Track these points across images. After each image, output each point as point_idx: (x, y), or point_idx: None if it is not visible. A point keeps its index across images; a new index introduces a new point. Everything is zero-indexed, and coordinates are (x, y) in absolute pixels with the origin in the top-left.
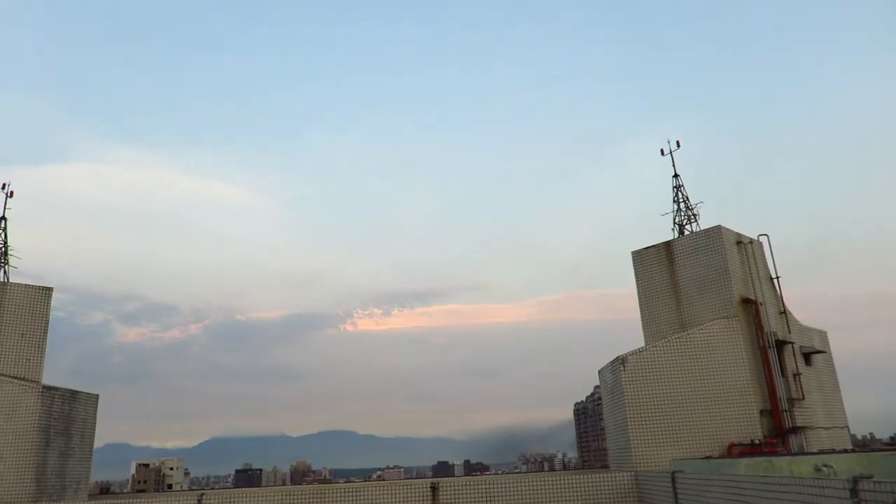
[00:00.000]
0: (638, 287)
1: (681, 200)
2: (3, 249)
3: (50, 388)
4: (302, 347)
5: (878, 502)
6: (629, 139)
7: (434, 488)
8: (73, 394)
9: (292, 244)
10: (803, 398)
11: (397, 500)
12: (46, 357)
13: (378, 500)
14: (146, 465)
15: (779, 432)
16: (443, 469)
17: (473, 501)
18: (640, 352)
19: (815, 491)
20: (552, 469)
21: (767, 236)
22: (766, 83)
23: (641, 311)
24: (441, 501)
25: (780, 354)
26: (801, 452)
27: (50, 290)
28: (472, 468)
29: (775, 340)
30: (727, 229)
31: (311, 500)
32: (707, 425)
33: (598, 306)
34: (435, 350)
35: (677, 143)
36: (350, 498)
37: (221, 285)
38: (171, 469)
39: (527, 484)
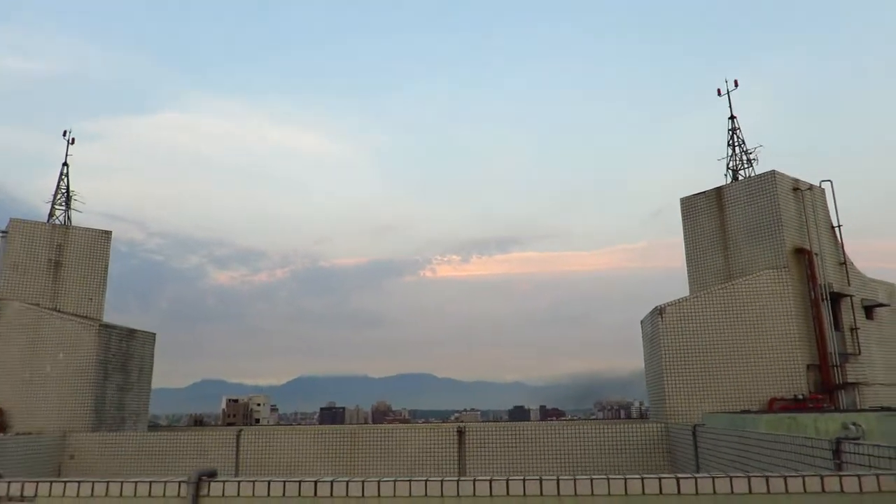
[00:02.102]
0: (685, 235)
1: (736, 144)
2: (66, 195)
3: (107, 326)
4: (383, 293)
5: (859, 464)
6: (717, 82)
7: (461, 433)
8: (131, 332)
9: (373, 192)
10: (859, 353)
11: (426, 443)
12: (148, 295)
13: (407, 443)
14: (235, 401)
15: (826, 388)
16: (519, 413)
17: (499, 447)
18: (679, 302)
19: (805, 451)
20: (628, 416)
21: (831, 182)
22: (862, 19)
23: (688, 260)
24: (468, 446)
25: (835, 307)
26: (845, 409)
27: (109, 233)
28: (547, 413)
29: (830, 292)
30: (782, 174)
31: (343, 440)
32: (747, 379)
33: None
34: (514, 297)
35: (735, 82)
36: (381, 439)
37: (306, 232)
38: (259, 405)
39: (555, 432)
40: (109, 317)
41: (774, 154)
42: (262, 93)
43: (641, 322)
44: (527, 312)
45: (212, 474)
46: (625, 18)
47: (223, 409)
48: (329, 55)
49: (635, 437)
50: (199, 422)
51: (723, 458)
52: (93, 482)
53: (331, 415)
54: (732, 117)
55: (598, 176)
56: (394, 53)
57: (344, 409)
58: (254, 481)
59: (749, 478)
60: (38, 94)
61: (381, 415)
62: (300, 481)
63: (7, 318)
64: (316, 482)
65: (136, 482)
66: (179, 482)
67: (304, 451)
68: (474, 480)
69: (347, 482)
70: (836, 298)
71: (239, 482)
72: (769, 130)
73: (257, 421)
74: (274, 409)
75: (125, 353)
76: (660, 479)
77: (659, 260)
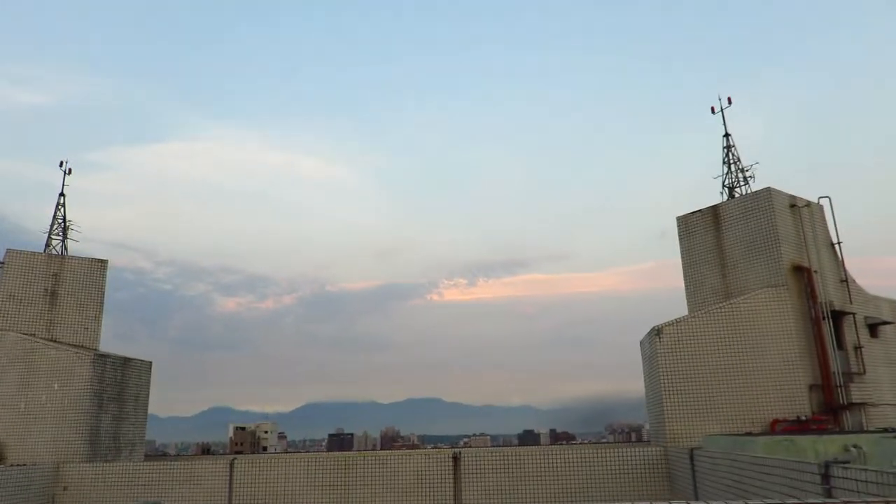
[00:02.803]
0: (682, 255)
1: (731, 161)
2: (62, 224)
3: (102, 356)
4: (390, 317)
5: (847, 490)
6: (718, 99)
7: (456, 458)
8: (126, 361)
9: (379, 216)
10: (864, 372)
11: (420, 469)
12: (156, 324)
13: (402, 469)
14: (243, 429)
15: (830, 408)
16: (529, 437)
17: (495, 472)
18: (677, 322)
19: (795, 475)
20: (639, 440)
21: (829, 198)
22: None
23: (685, 279)
24: (463, 471)
25: (837, 325)
26: (849, 431)
27: (105, 262)
28: (557, 437)
29: (832, 310)
30: (778, 191)
31: (337, 467)
32: (749, 400)
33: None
34: (521, 319)
35: (728, 99)
36: (375, 466)
37: (312, 257)
38: (266, 433)
39: (552, 456)
40: (118, 345)
41: (778, 171)
42: (262, 117)
43: (640, 343)
44: (533, 335)
45: None
46: (627, 36)
47: (230, 438)
48: (326, 78)
49: (635, 461)
50: (206, 450)
51: (719, 483)
52: None
53: (339, 441)
54: (727, 135)
55: (604, 196)
56: (392, 75)
57: (352, 435)
58: None
59: None
60: (45, 126)
61: (390, 441)
62: None
63: (3, 349)
64: None
65: None
66: None
67: (298, 479)
68: None
69: None
70: (837, 316)
71: None
72: (773, 147)
73: (265, 449)
74: (282, 436)
75: (120, 382)
76: None
77: (666, 280)
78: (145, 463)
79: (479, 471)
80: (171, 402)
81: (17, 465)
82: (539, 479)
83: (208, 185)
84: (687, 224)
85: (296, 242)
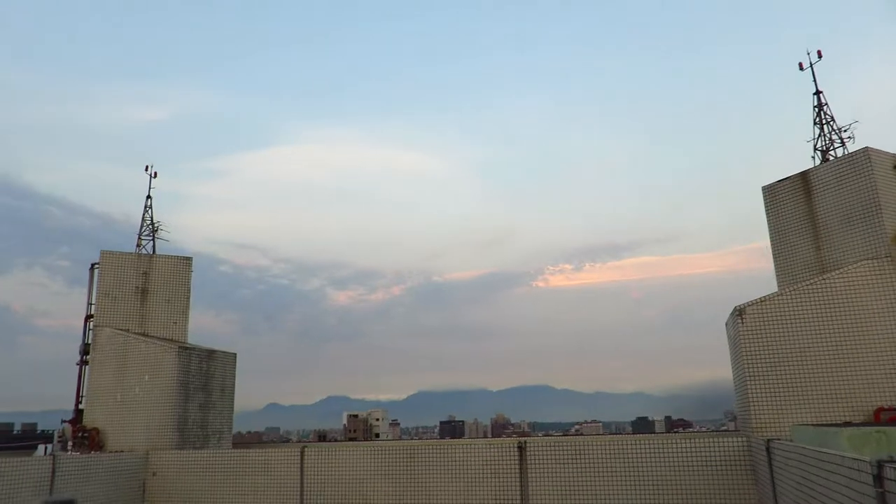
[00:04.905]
0: (770, 227)
1: (824, 122)
2: (151, 226)
3: (187, 348)
4: (496, 305)
5: None
6: (847, 52)
7: (521, 448)
8: (211, 353)
9: (481, 206)
10: None
11: (486, 459)
12: (277, 318)
13: (468, 459)
14: (356, 416)
15: None
16: (642, 425)
17: (561, 462)
18: (761, 302)
19: (853, 474)
20: None
21: None
22: None
23: (774, 254)
24: (528, 461)
25: None
26: None
27: (189, 259)
28: (673, 424)
29: None
30: (879, 151)
31: (402, 455)
32: (847, 386)
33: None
34: (630, 304)
35: (818, 53)
36: (441, 455)
37: (418, 250)
38: (377, 420)
39: (626, 446)
40: (244, 339)
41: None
42: (364, 117)
43: (725, 325)
44: (645, 319)
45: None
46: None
47: (344, 425)
48: (422, 73)
49: (715, 452)
50: (322, 437)
51: (791, 478)
52: None
53: (451, 428)
54: (818, 92)
55: (711, 173)
56: (487, 67)
57: (463, 422)
58: None
59: None
60: (165, 140)
61: (500, 428)
62: None
63: (100, 344)
64: None
65: None
66: None
67: (365, 467)
68: None
69: None
70: None
71: None
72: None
73: (377, 435)
74: (395, 423)
75: (206, 373)
76: None
77: None
78: (225, 451)
79: (546, 461)
80: (292, 391)
81: (116, 451)
82: (611, 470)
83: (316, 185)
84: (774, 194)
85: (402, 236)
